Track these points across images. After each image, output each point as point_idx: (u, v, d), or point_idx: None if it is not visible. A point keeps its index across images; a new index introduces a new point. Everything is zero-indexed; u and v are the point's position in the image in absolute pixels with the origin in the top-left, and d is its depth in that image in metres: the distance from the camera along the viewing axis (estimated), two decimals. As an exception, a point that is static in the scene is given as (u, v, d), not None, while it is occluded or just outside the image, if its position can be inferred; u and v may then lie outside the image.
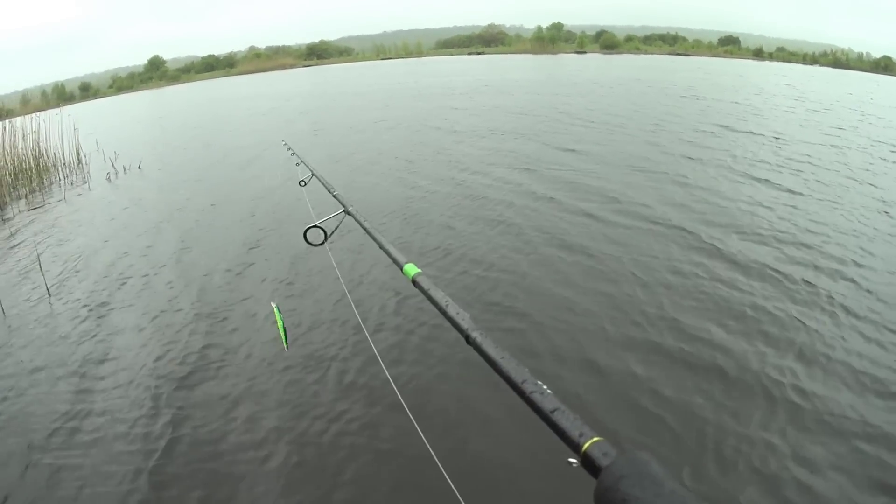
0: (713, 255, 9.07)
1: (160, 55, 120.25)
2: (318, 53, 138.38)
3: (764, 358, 6.23)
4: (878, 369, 6.03)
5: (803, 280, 8.28)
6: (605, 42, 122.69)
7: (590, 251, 9.31)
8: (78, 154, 20.83)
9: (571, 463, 0.86)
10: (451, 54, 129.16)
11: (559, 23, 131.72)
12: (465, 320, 1.35)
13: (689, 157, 16.04)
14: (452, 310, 1.41)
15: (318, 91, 50.77)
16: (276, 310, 4.18)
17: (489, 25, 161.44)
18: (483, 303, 7.66)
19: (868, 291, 7.99)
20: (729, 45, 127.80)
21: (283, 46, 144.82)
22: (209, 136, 27.23)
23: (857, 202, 12.11)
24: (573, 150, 17.03)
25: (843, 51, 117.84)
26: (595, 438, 0.83)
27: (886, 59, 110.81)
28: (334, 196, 3.52)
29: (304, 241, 2.91)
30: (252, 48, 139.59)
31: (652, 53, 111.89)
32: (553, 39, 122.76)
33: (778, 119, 24.03)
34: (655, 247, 9.44)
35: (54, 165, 19.82)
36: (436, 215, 11.54)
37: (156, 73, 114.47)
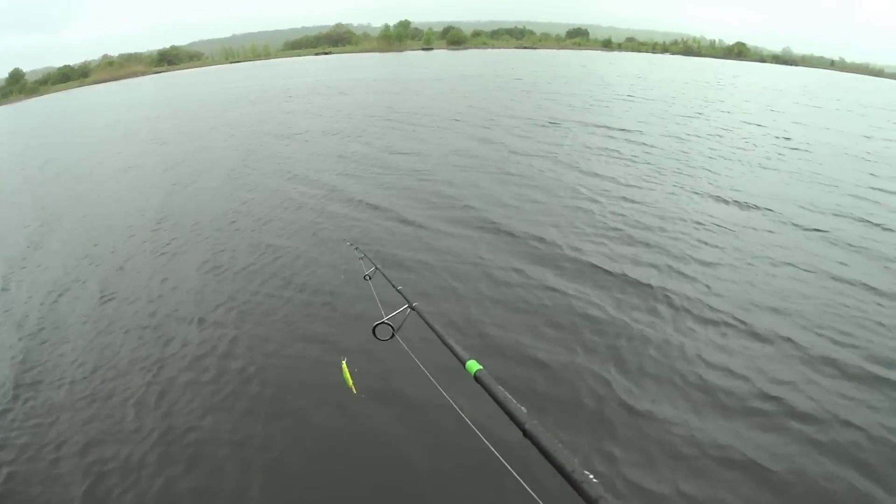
0: (533, 258, 8.92)
1: (20, 68, 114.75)
2: (168, 59, 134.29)
3: (583, 365, 6.31)
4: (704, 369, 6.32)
5: (628, 277, 8.38)
6: (452, 38, 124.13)
7: (401, 260, 9.19)
8: None
9: None
10: (300, 55, 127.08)
11: (406, 20, 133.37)
12: (521, 414, 1.44)
13: (516, 152, 16.14)
14: (511, 405, 1.50)
15: (163, 98, 48.94)
16: (344, 365, 3.77)
17: (337, 25, 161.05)
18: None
19: (705, 286, 8.25)
20: (577, 38, 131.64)
21: (135, 54, 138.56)
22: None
23: (694, 191, 12.62)
24: (402, 153, 16.65)
25: (694, 38, 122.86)
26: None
27: (740, 45, 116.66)
28: (398, 291, 3.47)
29: (373, 336, 2.83)
30: (105, 56, 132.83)
31: (499, 48, 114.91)
32: (400, 37, 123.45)
33: (610, 111, 25.00)
34: (476, 251, 9.34)
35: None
36: (251, 224, 11.59)
37: (16, 86, 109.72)
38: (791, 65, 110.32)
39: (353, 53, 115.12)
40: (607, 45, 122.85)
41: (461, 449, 5.08)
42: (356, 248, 6.30)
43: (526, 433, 1.36)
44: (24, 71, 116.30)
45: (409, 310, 3.02)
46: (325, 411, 5.75)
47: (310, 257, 9.58)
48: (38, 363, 7.12)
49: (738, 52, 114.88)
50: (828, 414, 5.64)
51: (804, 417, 5.57)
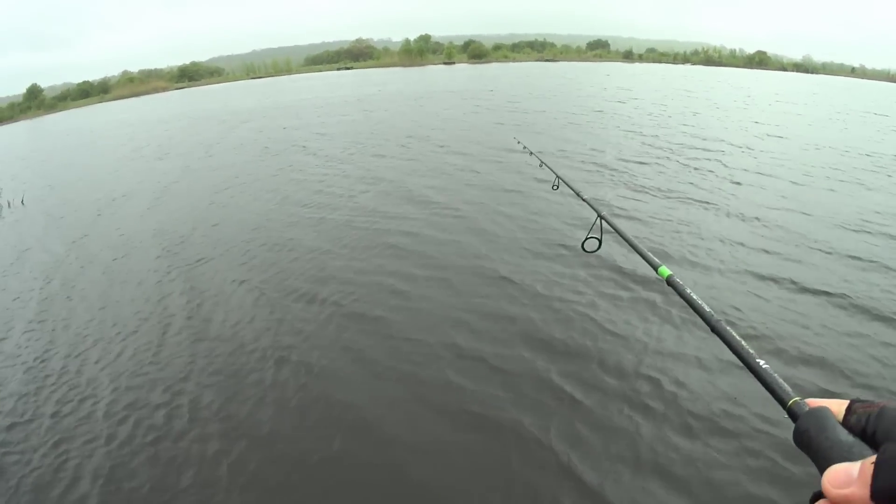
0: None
1: (38, 84, 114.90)
2: (189, 75, 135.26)
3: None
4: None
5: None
6: (474, 52, 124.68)
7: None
8: None
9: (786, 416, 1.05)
10: (321, 70, 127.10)
11: (427, 34, 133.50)
12: (710, 311, 1.54)
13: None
14: (703, 304, 1.59)
15: (189, 113, 47.64)
16: None
17: (357, 40, 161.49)
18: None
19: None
20: (598, 49, 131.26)
21: (156, 70, 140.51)
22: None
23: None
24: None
25: (714, 48, 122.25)
26: (795, 398, 1.02)
27: (760, 53, 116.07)
28: (585, 201, 3.56)
29: (582, 250, 3.10)
30: (125, 72, 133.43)
31: (521, 61, 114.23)
32: (421, 51, 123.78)
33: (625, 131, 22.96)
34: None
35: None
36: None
37: (34, 101, 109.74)
38: (812, 73, 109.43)
39: (374, 68, 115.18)
40: (628, 56, 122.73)
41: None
42: (530, 153, 6.51)
43: (714, 329, 1.46)
44: (42, 87, 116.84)
45: (599, 219, 3.10)
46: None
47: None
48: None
49: (760, 60, 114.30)
50: None
51: None
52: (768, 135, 21.39)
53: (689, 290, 1.71)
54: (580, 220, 10.35)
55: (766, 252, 9.30)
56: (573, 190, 3.98)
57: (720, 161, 16.21)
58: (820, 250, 9.36)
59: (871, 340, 6.53)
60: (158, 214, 14.01)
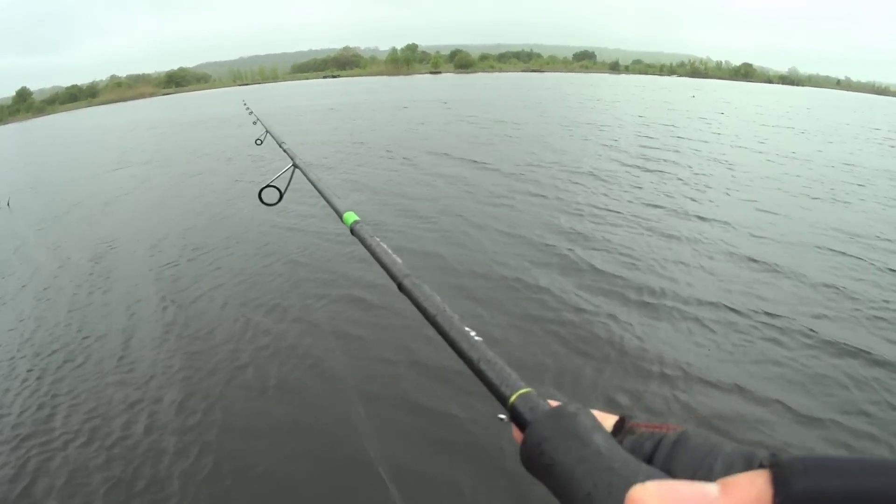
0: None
1: (27, 87, 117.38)
2: (177, 81, 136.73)
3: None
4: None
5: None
6: (460, 61, 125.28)
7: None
8: None
9: (501, 419, 0.75)
10: (307, 78, 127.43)
11: (413, 44, 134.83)
12: (397, 267, 1.30)
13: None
14: (387, 258, 1.36)
15: (172, 120, 46.92)
16: None
17: (344, 48, 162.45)
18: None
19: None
20: (584, 60, 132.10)
21: (143, 75, 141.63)
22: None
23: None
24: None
25: (701, 60, 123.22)
26: (522, 390, 0.72)
27: (747, 66, 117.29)
28: (283, 150, 3.41)
29: (260, 202, 2.79)
30: (113, 77, 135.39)
31: (507, 71, 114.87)
32: (408, 61, 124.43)
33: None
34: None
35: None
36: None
37: (23, 105, 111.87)
38: (797, 85, 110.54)
39: (360, 77, 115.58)
40: (615, 67, 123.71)
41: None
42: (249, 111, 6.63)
43: (402, 287, 1.23)
44: (31, 90, 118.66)
45: (293, 168, 2.95)
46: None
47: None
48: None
49: (745, 73, 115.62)
50: None
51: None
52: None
53: (377, 239, 1.49)
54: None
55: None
56: (275, 139, 4.02)
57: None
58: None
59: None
60: (137, 219, 13.90)
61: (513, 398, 0.71)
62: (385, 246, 1.42)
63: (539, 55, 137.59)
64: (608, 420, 0.66)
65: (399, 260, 1.32)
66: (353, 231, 1.66)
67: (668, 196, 12.86)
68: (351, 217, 1.76)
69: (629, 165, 16.33)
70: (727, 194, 13.43)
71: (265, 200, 2.78)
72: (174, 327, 7.67)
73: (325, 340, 6.64)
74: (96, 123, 52.90)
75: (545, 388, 5.45)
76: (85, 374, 6.69)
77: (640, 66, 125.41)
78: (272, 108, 49.20)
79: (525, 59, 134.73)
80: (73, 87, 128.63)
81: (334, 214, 1.88)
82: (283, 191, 2.82)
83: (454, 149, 19.88)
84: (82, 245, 12.15)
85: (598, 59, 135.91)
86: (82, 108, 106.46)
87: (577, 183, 14.20)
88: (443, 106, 39.91)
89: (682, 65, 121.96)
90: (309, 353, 6.40)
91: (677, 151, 19.03)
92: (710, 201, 12.57)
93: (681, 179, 14.65)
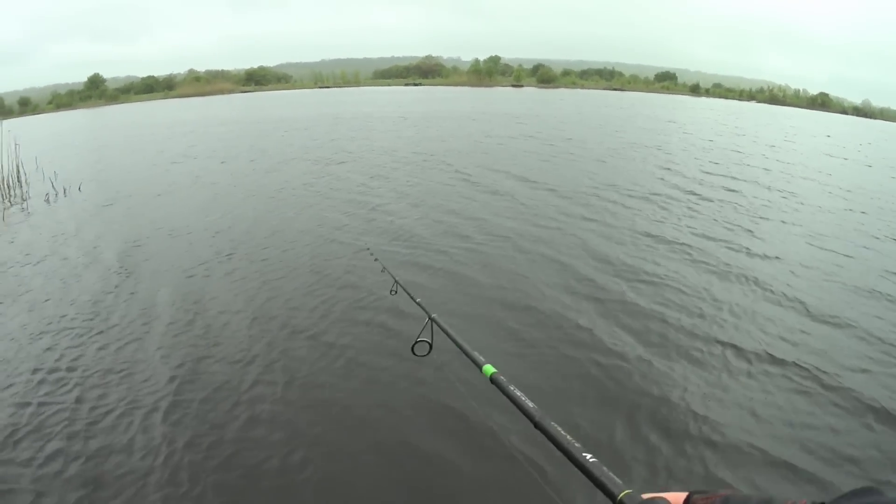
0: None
1: (100, 73, 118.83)
2: (256, 79, 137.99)
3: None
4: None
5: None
6: (542, 76, 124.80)
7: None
8: (18, 172, 19.41)
9: None
10: (389, 84, 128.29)
11: (496, 56, 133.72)
12: (533, 409, 1.55)
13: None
14: (523, 403, 1.61)
15: (252, 117, 48.25)
16: None
17: (426, 57, 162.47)
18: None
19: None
20: (666, 81, 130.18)
21: (223, 71, 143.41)
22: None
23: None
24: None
25: (779, 87, 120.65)
26: (626, 491, 1.01)
27: (823, 95, 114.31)
28: (418, 304, 3.53)
29: (413, 354, 2.90)
30: (192, 71, 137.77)
31: (589, 88, 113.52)
32: (490, 72, 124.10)
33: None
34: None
35: (-9, 182, 18.88)
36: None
37: (95, 91, 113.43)
38: (870, 117, 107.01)
39: (443, 86, 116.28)
40: (695, 90, 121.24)
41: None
42: (375, 257, 6.56)
43: (538, 425, 1.48)
44: (105, 77, 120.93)
45: (430, 322, 3.03)
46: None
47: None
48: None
49: (822, 102, 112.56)
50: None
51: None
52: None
53: (512, 388, 1.73)
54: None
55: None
56: (408, 293, 4.07)
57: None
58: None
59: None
60: (207, 213, 14.19)
61: (621, 496, 1.01)
62: (520, 393, 1.67)
63: (621, 73, 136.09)
64: (679, 498, 0.89)
65: (531, 403, 1.58)
66: (492, 381, 1.89)
67: (725, 227, 12.42)
68: (489, 369, 1.96)
69: (687, 191, 15.98)
70: (785, 226, 12.99)
71: (417, 353, 2.93)
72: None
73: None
74: (178, 117, 53.37)
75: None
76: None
77: (720, 91, 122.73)
78: (347, 111, 49.58)
79: (607, 77, 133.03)
80: (150, 77, 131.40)
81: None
82: (431, 342, 2.96)
83: (511, 165, 19.88)
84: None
85: (679, 80, 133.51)
86: (158, 99, 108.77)
87: (629, 208, 13.94)
88: (514, 120, 39.55)
89: (761, 91, 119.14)
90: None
91: (739, 179, 18.56)
92: (765, 235, 12.02)
93: (740, 208, 14.25)
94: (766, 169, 21.31)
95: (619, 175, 18.23)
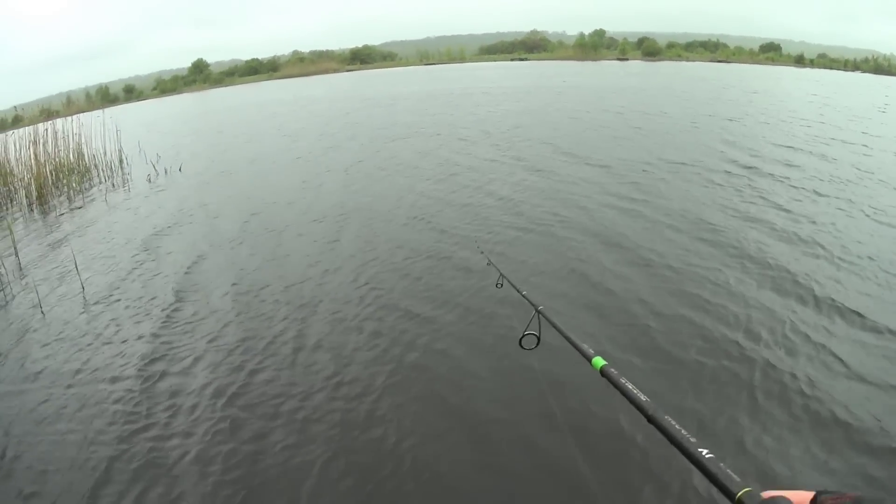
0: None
1: (204, 58, 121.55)
2: (361, 58, 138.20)
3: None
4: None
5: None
6: (647, 49, 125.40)
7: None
8: (120, 156, 20.69)
9: None
10: (494, 60, 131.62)
11: (601, 29, 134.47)
12: (646, 403, 1.54)
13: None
14: (635, 395, 1.60)
15: (363, 95, 51.00)
16: None
17: (532, 32, 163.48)
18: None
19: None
20: (770, 52, 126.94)
21: (327, 51, 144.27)
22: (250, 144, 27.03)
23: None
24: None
25: (885, 56, 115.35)
26: (746, 489, 1.01)
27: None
28: (524, 297, 3.66)
29: (520, 347, 2.99)
30: (296, 52, 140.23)
31: (693, 60, 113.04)
32: (595, 46, 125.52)
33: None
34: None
35: (95, 167, 19.76)
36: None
37: (199, 76, 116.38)
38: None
39: (549, 60, 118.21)
40: (800, 61, 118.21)
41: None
42: (481, 250, 6.97)
43: (651, 419, 1.46)
44: (208, 62, 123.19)
45: (537, 315, 3.04)
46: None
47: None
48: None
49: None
50: None
51: None
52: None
53: (623, 380, 1.73)
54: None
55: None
56: (514, 287, 4.18)
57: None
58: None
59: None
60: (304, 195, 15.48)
61: (740, 494, 1.02)
62: (631, 385, 1.66)
63: (725, 45, 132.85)
64: (805, 497, 0.91)
65: (644, 396, 1.57)
66: (602, 373, 1.90)
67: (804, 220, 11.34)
68: (599, 361, 1.97)
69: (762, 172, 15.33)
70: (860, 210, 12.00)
71: (525, 346, 2.96)
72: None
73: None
74: (300, 93, 57.34)
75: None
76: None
77: (825, 61, 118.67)
78: (434, 89, 50.92)
79: (712, 49, 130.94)
80: (254, 60, 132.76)
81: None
82: (539, 335, 2.94)
83: (567, 141, 19.84)
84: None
85: (784, 51, 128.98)
86: (262, 80, 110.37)
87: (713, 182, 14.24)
88: (596, 94, 39.39)
89: (865, 61, 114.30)
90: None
91: (819, 156, 17.49)
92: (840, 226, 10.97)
93: (817, 194, 13.16)
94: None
95: (683, 152, 18.23)
